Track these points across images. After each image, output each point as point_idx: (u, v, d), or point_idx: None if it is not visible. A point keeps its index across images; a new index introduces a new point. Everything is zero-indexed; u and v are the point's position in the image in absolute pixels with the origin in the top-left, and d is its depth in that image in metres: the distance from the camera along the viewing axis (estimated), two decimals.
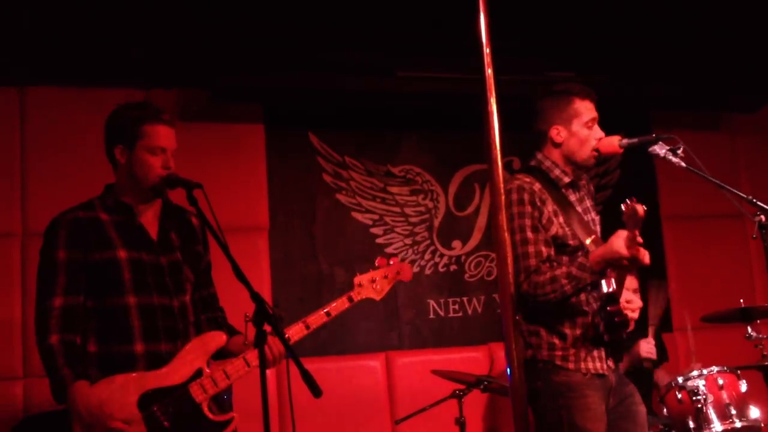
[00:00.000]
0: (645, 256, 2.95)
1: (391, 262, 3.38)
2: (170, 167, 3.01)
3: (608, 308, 3.03)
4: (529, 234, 3.11)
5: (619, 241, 2.91)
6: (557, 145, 3.26)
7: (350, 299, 3.26)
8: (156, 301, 2.99)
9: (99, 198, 3.10)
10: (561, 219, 3.16)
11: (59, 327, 2.87)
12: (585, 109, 3.22)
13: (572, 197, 3.27)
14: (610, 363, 3.17)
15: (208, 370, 2.98)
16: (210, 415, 2.95)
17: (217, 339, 3.05)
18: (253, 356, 2.99)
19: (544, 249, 3.10)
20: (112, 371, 2.89)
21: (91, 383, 2.85)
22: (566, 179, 3.25)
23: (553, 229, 3.14)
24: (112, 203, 3.06)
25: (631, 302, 3.17)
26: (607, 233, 3.10)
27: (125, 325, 2.94)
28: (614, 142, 3.15)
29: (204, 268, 3.26)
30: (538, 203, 3.14)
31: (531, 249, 3.09)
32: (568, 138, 3.23)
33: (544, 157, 3.29)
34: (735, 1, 4.98)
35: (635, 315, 3.19)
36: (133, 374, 2.90)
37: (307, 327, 3.15)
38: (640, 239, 2.91)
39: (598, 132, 3.23)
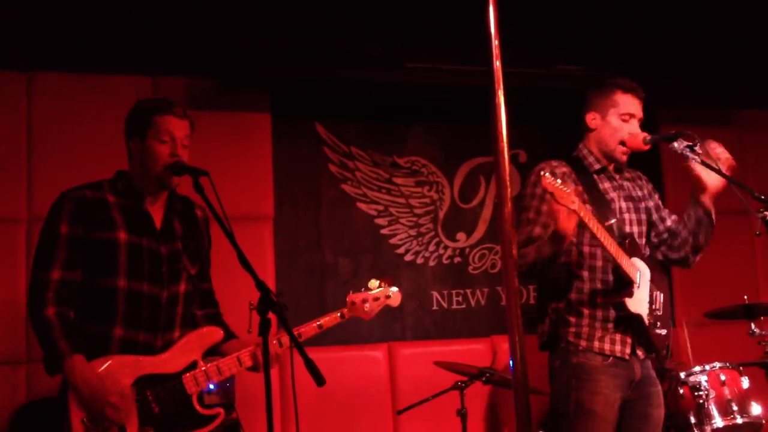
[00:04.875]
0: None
1: (382, 285, 3.51)
2: (178, 155, 3.03)
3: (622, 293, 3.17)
4: (531, 214, 3.24)
5: None
6: (591, 131, 3.38)
7: (342, 316, 3.38)
8: (146, 289, 3.01)
9: (109, 180, 3.12)
10: (585, 197, 3.23)
11: (56, 300, 2.89)
12: (624, 102, 3.32)
13: (605, 184, 3.36)
14: (639, 353, 3.24)
15: (202, 364, 3.03)
16: (198, 408, 3.01)
17: (214, 335, 3.12)
18: (245, 356, 3.07)
19: (537, 229, 3.21)
20: (85, 351, 2.89)
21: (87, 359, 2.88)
22: (597, 165, 3.36)
23: None
24: (123, 187, 3.09)
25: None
26: None
27: (110, 307, 2.96)
28: (639, 139, 3.24)
29: (204, 261, 3.29)
30: None
31: (526, 228, 3.22)
32: (601, 126, 3.35)
33: (583, 146, 3.42)
34: None
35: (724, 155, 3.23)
36: (131, 357, 2.93)
37: (299, 336, 3.22)
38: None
39: (633, 127, 3.31)
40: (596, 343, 3.18)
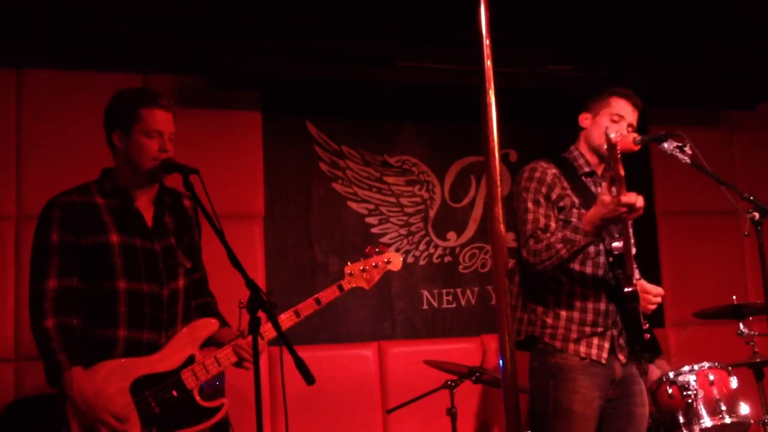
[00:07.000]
0: (638, 200, 2.95)
1: (381, 251, 3.39)
2: (167, 150, 3.00)
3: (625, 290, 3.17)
4: (530, 205, 3.23)
5: (604, 194, 2.94)
6: (582, 130, 3.44)
7: (340, 288, 3.28)
8: (146, 288, 2.98)
9: (96, 182, 3.08)
10: (576, 201, 3.26)
11: (54, 310, 2.87)
12: (616, 104, 3.37)
13: (594, 188, 3.37)
14: (621, 357, 3.25)
15: (199, 357, 2.99)
16: (201, 401, 2.97)
17: (209, 326, 3.08)
18: (241, 346, 3.01)
19: (542, 218, 3.20)
20: (91, 353, 2.89)
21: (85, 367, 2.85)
22: (586, 168, 3.39)
23: (567, 201, 3.24)
24: (110, 187, 3.04)
25: (649, 294, 3.26)
26: None
27: (111, 309, 2.93)
28: (629, 140, 3.26)
29: (197, 251, 3.26)
30: (548, 180, 3.26)
31: (529, 216, 3.21)
32: (591, 125, 3.41)
33: (574, 148, 3.46)
34: None
35: (652, 307, 3.29)
36: (126, 360, 2.91)
37: (298, 315, 3.17)
38: (622, 174, 2.91)
39: (621, 128, 3.33)
40: (571, 345, 3.19)
